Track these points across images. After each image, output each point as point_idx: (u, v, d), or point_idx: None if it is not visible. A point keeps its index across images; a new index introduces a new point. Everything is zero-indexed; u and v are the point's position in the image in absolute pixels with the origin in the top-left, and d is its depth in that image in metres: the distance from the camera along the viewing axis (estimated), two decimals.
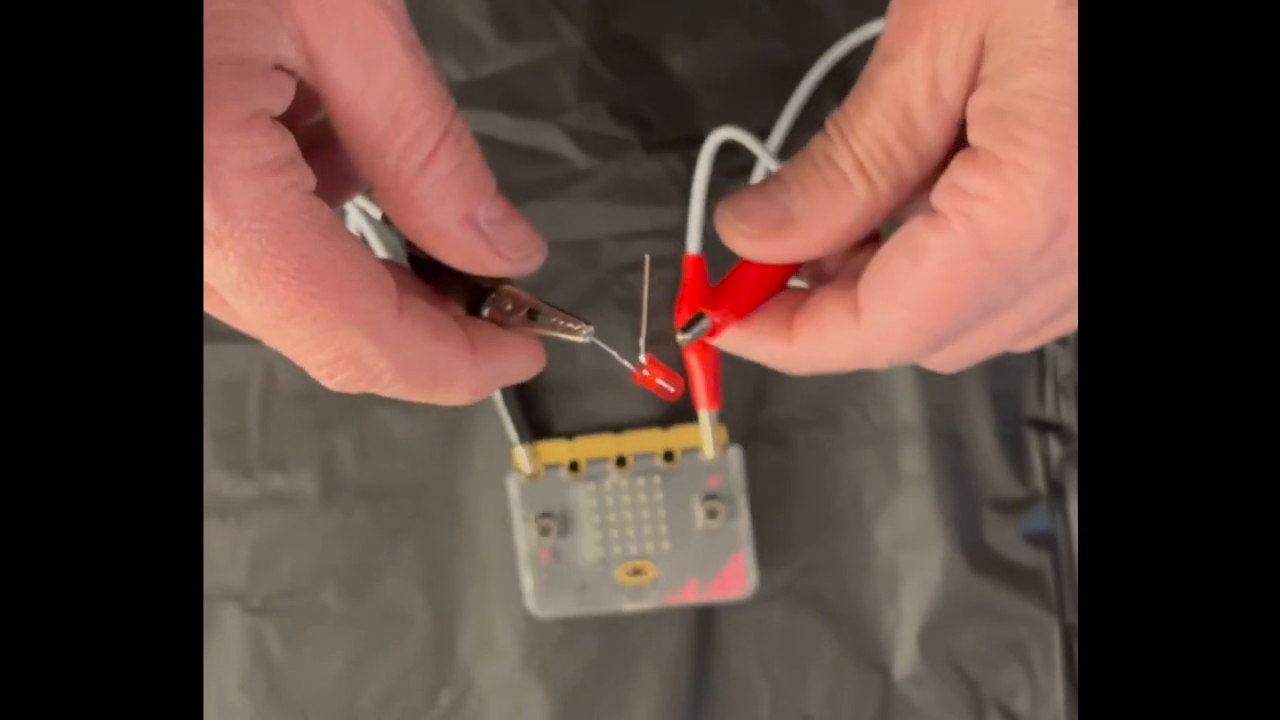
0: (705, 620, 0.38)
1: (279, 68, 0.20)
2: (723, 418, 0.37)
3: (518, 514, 0.37)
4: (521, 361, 0.25)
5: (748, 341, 0.26)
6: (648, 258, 0.28)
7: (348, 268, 0.21)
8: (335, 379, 0.21)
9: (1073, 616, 0.37)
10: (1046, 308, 0.23)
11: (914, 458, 0.37)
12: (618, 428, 0.37)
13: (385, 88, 0.21)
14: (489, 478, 0.38)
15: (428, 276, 0.26)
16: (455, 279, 0.25)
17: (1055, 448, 0.37)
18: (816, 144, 0.24)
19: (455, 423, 0.38)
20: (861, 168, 0.24)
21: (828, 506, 0.37)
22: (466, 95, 0.36)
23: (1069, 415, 0.37)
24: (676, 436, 0.37)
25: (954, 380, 0.37)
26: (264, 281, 0.20)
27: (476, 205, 0.23)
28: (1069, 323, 0.25)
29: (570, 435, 0.37)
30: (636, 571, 0.37)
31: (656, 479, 0.37)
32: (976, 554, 0.37)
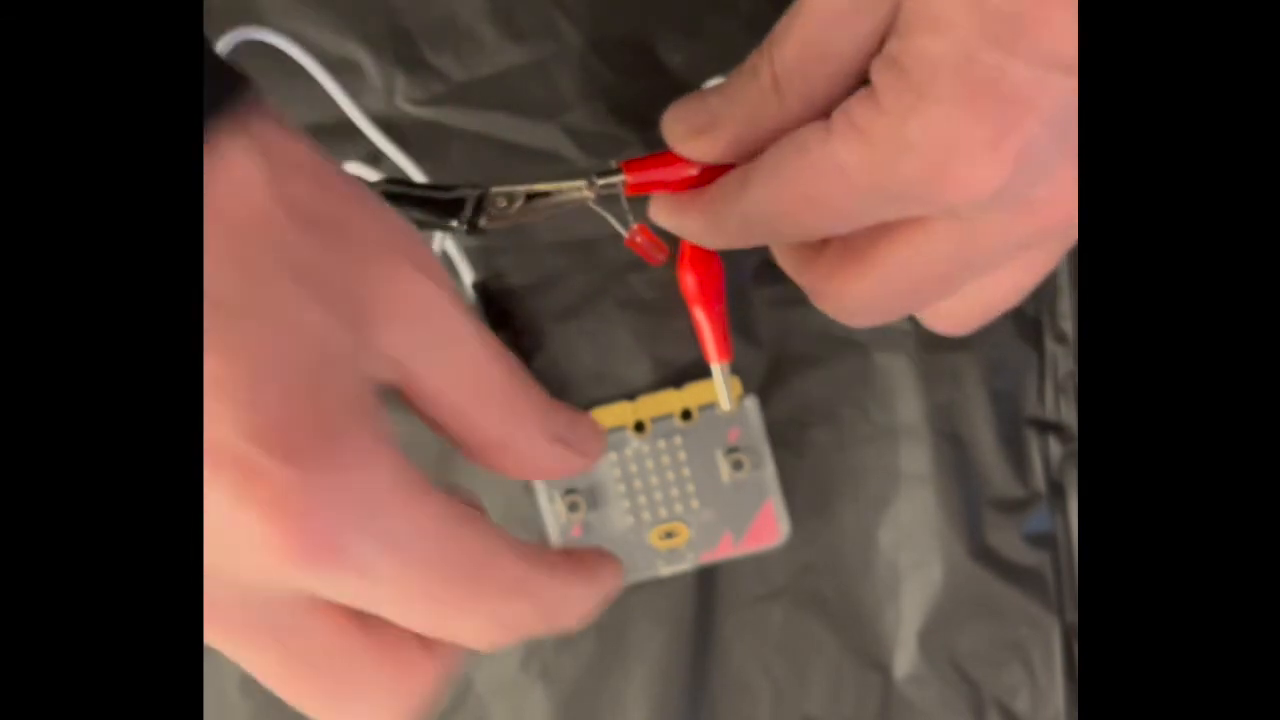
0: (704, 620, 0.38)
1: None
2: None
3: (543, 494, 0.37)
4: (607, 566, 0.25)
5: (670, 214, 0.28)
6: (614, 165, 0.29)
7: (483, 542, 0.22)
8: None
9: (1073, 616, 0.37)
10: (918, 254, 0.25)
11: (914, 458, 0.37)
12: (630, 395, 0.37)
13: (470, 379, 0.23)
14: (489, 479, 0.38)
15: (407, 207, 0.27)
16: (438, 206, 0.26)
17: (1055, 448, 0.37)
18: (752, 55, 0.26)
19: None
20: (777, 82, 0.25)
21: (828, 506, 0.37)
22: (466, 95, 0.36)
23: (1069, 415, 0.37)
24: (691, 394, 0.37)
25: (954, 380, 0.37)
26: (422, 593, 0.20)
27: (554, 423, 0.24)
28: (959, 281, 0.26)
29: (584, 408, 0.37)
30: (669, 534, 0.37)
31: (677, 439, 0.37)
32: (977, 554, 0.37)
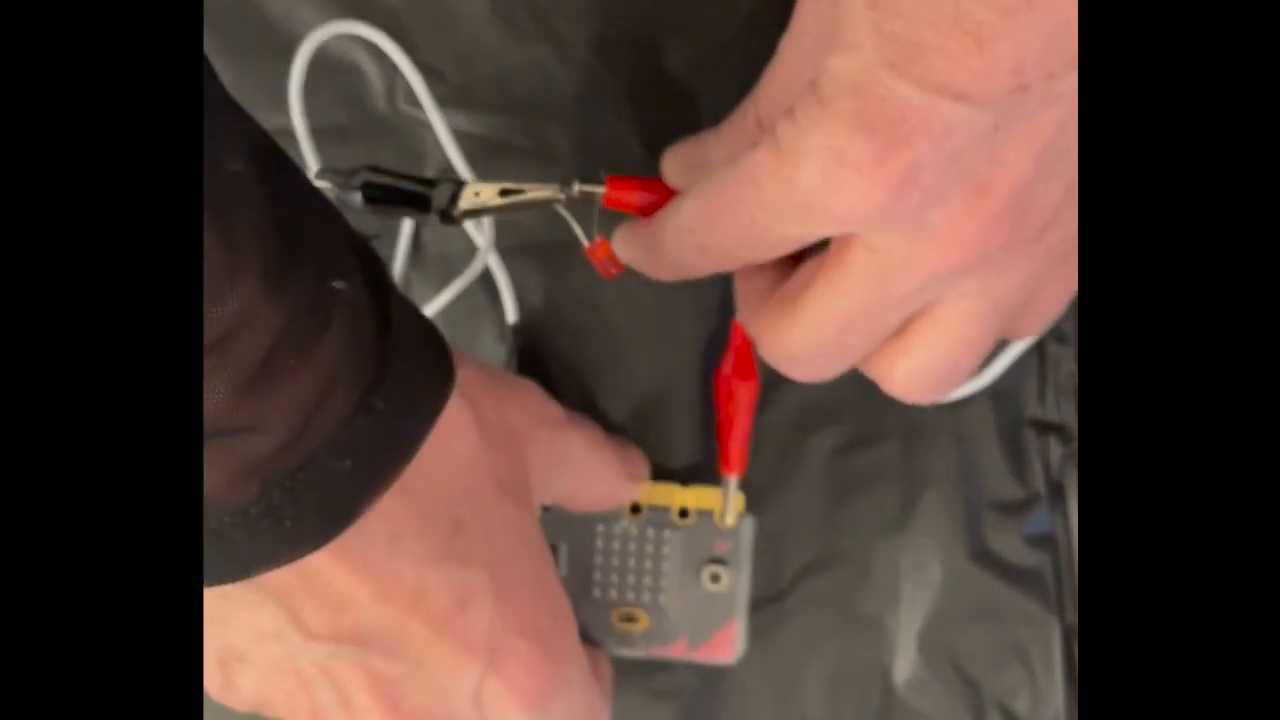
0: None
1: None
2: None
3: None
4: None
5: (622, 239, 0.30)
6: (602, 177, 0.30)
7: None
8: None
9: (1073, 616, 0.37)
10: (839, 290, 0.25)
11: (914, 458, 0.37)
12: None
13: (587, 479, 0.34)
14: None
15: (381, 202, 0.29)
16: (410, 200, 0.28)
17: (1055, 448, 0.37)
18: (743, 101, 0.28)
19: None
20: (760, 123, 0.27)
21: (827, 508, 0.37)
22: (466, 95, 0.36)
23: (1069, 415, 0.37)
24: (694, 496, 0.37)
25: None
26: None
27: (628, 464, 0.35)
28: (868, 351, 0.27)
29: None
30: (629, 618, 0.37)
31: (667, 533, 0.37)
32: (977, 555, 0.37)
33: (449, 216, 0.29)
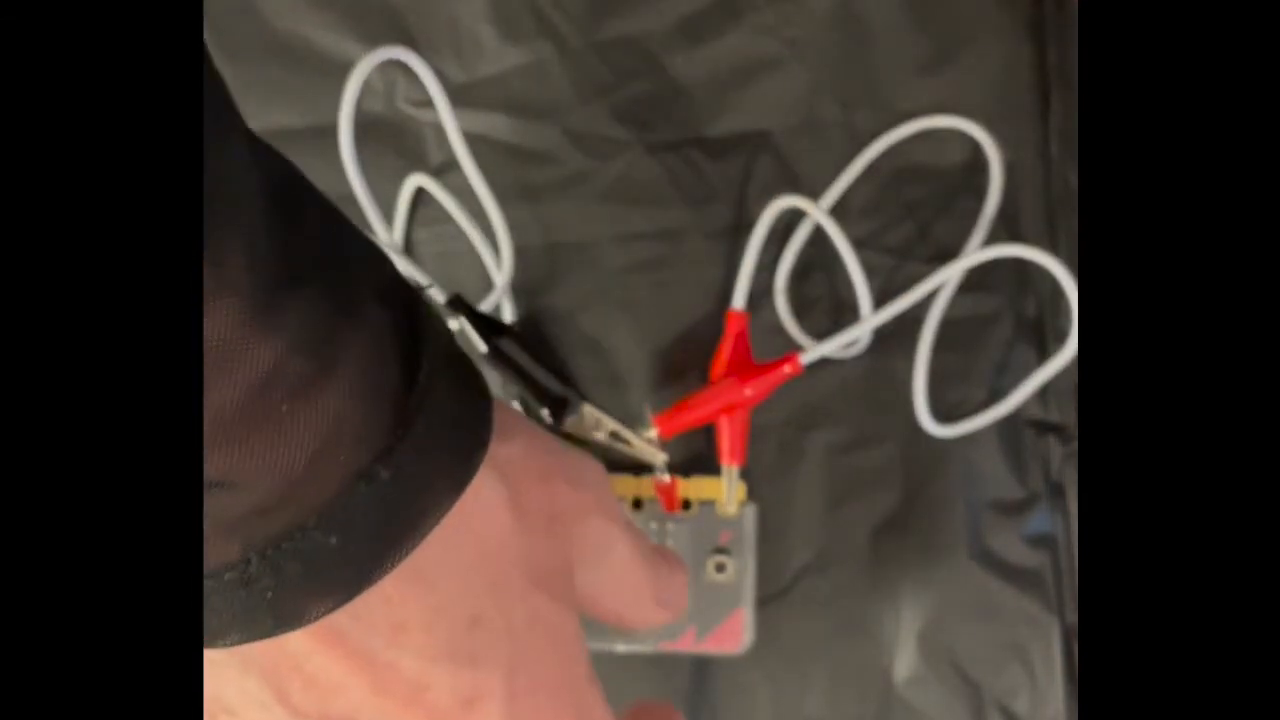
0: None
1: None
2: None
3: None
4: None
5: None
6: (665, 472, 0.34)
7: None
8: None
9: (1073, 616, 0.37)
10: None
11: (914, 458, 0.37)
12: (639, 469, 0.37)
13: (626, 589, 0.28)
14: None
15: (510, 376, 0.29)
16: (539, 390, 0.30)
17: (1055, 448, 0.37)
18: None
19: None
20: None
21: (827, 508, 0.37)
22: (466, 96, 0.36)
23: (1069, 415, 0.37)
24: (695, 487, 0.37)
25: (954, 380, 0.37)
26: None
27: (662, 591, 0.28)
28: None
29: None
30: None
31: (670, 526, 0.37)
32: (977, 555, 0.37)
33: (560, 420, 0.31)
